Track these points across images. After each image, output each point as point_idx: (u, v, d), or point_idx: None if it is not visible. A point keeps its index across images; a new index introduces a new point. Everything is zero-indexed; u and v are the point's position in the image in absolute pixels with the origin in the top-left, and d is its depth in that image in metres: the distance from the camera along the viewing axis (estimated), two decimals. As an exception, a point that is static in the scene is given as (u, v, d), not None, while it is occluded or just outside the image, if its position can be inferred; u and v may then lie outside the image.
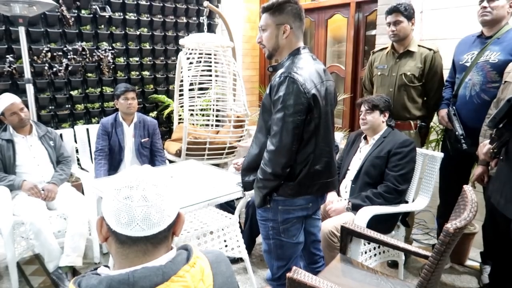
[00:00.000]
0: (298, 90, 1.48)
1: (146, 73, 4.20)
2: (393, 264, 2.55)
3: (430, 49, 2.44)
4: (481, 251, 2.44)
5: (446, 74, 2.52)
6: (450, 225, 1.30)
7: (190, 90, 3.32)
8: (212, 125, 3.77)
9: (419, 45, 2.48)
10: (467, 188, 1.52)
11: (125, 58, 4.02)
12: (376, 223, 2.02)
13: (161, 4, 4.16)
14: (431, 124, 2.66)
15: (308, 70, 1.55)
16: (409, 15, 2.40)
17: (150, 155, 3.09)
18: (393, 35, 2.45)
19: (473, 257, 2.64)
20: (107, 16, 3.80)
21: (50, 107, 3.65)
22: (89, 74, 3.81)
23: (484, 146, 1.89)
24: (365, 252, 2.01)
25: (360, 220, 2.01)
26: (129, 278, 0.72)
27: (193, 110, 3.71)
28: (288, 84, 1.49)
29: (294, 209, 1.66)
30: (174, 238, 0.85)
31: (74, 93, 3.73)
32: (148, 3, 4.07)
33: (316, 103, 1.54)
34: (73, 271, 2.41)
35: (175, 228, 0.83)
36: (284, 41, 1.61)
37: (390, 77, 2.52)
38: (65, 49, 3.61)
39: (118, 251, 0.78)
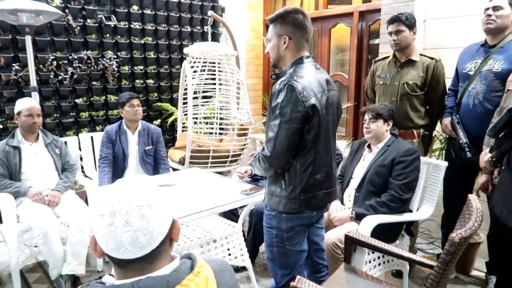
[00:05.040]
0: (296, 98, 1.50)
1: (150, 81, 4.24)
2: (398, 274, 2.53)
3: (432, 58, 2.45)
4: (486, 261, 2.41)
5: (448, 83, 2.52)
6: (455, 235, 1.29)
7: (194, 98, 3.34)
8: (215, 133, 3.77)
9: (421, 54, 2.48)
10: (472, 197, 1.51)
11: (129, 67, 4.06)
12: (380, 232, 2.01)
13: (166, 14, 4.21)
14: (434, 133, 2.66)
15: (308, 79, 1.56)
16: (411, 24, 2.42)
17: (154, 163, 3.10)
18: (394, 44, 2.46)
19: (479, 267, 2.61)
20: (112, 25, 3.84)
21: (55, 115, 3.67)
22: (94, 82, 3.84)
23: (485, 155, 1.89)
24: (369, 262, 2.00)
25: (364, 229, 2.00)
26: (134, 287, 0.73)
27: (196, 118, 3.73)
28: (287, 91, 1.51)
29: (298, 217, 1.66)
30: (174, 245, 0.84)
31: (79, 101, 3.76)
32: (153, 13, 4.11)
33: (315, 112, 1.55)
34: (74, 280, 2.40)
35: (171, 235, 0.81)
36: (285, 52, 1.63)
37: (392, 86, 2.52)
38: (70, 57, 3.65)
39: (116, 268, 0.78)
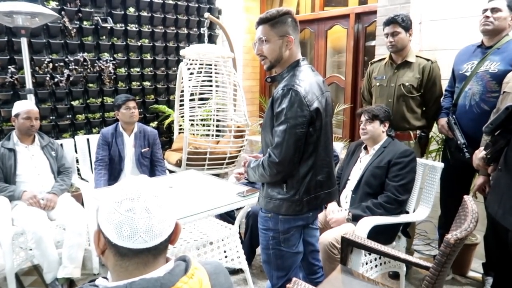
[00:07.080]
0: (300, 102, 1.49)
1: (147, 83, 4.23)
2: (395, 275, 2.52)
3: (428, 60, 2.46)
4: (483, 262, 2.42)
5: (444, 84, 2.53)
6: (451, 236, 1.29)
7: (190, 100, 3.33)
8: (212, 135, 3.77)
9: (417, 56, 2.49)
10: (468, 198, 1.52)
11: (126, 69, 4.05)
12: (377, 233, 2.01)
13: (162, 16, 4.21)
14: (431, 134, 2.67)
15: (309, 82, 1.56)
16: (407, 26, 2.42)
17: (150, 165, 3.09)
18: (391, 46, 2.47)
19: (475, 268, 2.62)
20: (108, 27, 3.84)
21: (51, 117, 3.66)
22: (90, 85, 3.83)
23: (480, 152, 1.89)
24: (366, 263, 2.00)
25: (360, 230, 2.00)
26: (127, 289, 0.72)
27: (193, 120, 3.72)
28: (291, 96, 1.49)
29: (296, 219, 1.65)
30: (171, 248, 0.84)
31: (75, 103, 3.75)
32: (150, 15, 4.11)
33: (318, 115, 1.55)
34: (71, 283, 2.39)
35: (172, 237, 0.82)
36: (288, 53, 1.60)
37: (388, 87, 2.53)
38: (66, 59, 3.63)
39: (117, 264, 0.77)
